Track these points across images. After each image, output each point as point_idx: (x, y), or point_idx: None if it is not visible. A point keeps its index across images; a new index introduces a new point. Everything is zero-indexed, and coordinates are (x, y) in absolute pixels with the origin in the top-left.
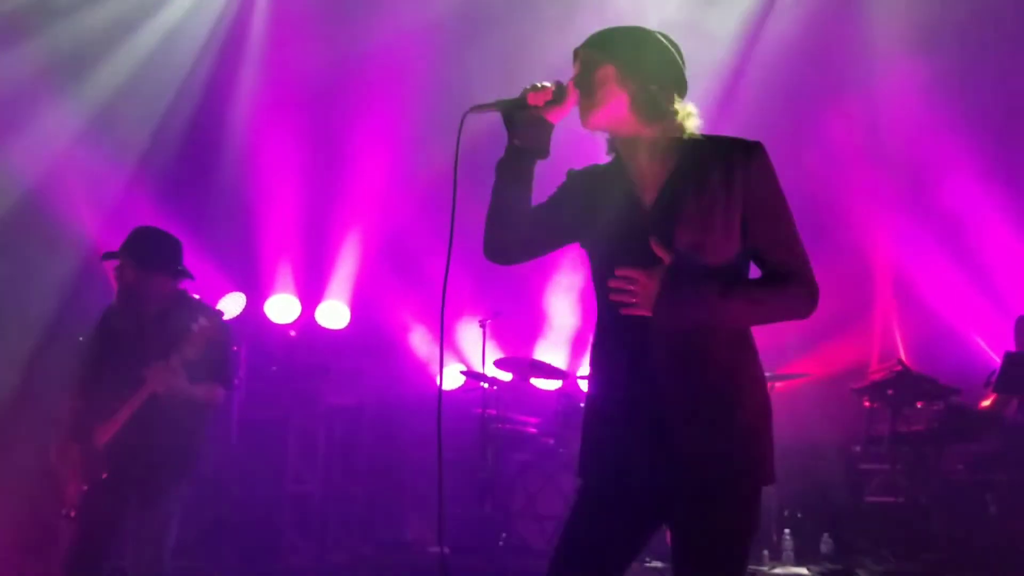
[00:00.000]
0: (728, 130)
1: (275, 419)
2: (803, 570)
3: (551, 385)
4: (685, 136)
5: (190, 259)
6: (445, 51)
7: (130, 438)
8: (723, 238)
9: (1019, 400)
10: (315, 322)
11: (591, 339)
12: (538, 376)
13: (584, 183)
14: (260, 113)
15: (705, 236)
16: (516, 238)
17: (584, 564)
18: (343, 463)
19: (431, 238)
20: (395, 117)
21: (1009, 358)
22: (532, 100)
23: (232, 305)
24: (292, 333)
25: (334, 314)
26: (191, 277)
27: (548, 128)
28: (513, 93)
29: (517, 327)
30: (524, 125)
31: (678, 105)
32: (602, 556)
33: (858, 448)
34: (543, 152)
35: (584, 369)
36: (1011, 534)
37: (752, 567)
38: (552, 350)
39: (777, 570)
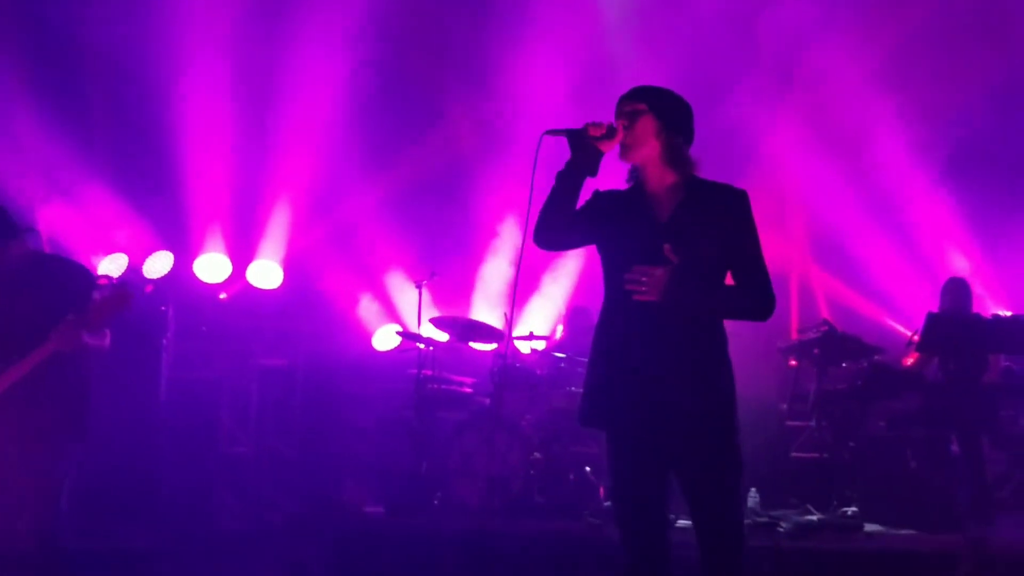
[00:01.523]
0: (643, 67)
1: (206, 380)
2: None
3: (487, 346)
4: (690, 177)
5: (116, 217)
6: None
7: (17, 400)
8: (709, 255)
9: (940, 359)
10: (247, 282)
11: (600, 315)
12: (474, 337)
13: (609, 202)
14: (190, 66)
15: (699, 252)
16: (559, 233)
17: (641, 500)
18: (277, 424)
19: (366, 197)
20: (330, 72)
21: (932, 319)
22: (592, 132)
23: (160, 264)
24: (223, 295)
25: (266, 274)
26: (38, 232)
27: (599, 155)
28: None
29: (453, 288)
30: (582, 150)
31: (690, 154)
32: (647, 491)
33: (785, 406)
34: (592, 172)
35: (521, 331)
36: (930, 488)
37: (682, 520)
38: (488, 312)
39: None
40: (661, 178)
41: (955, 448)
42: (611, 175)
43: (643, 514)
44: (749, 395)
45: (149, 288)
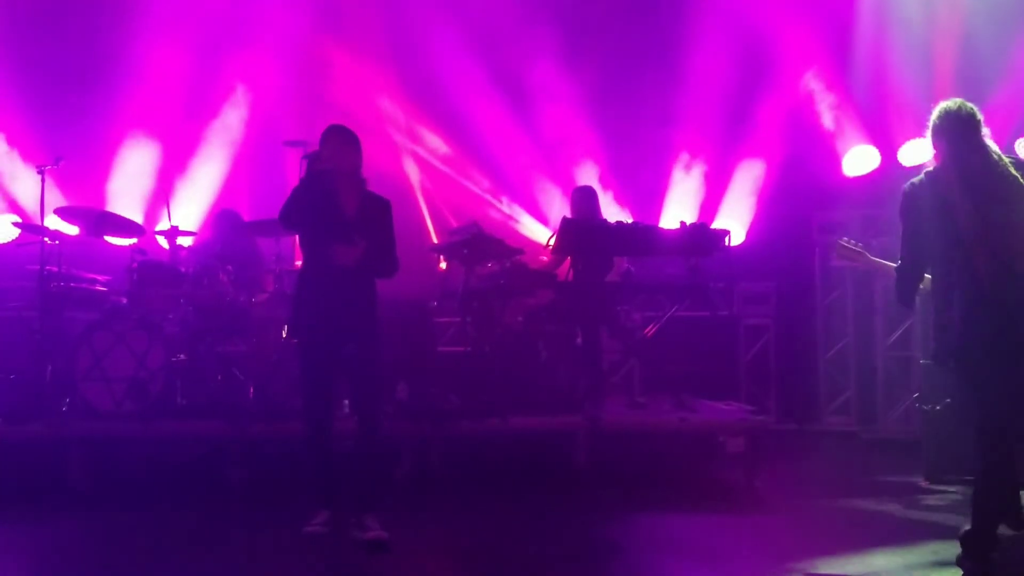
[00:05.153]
0: None
1: None
2: None
3: (124, 241)
4: (363, 189)
5: None
6: None
7: None
8: (373, 239)
9: (572, 260)
10: None
11: (301, 269)
12: (110, 231)
13: (313, 185)
14: None
15: (370, 237)
16: None
17: (324, 383)
18: None
19: None
20: None
21: (565, 224)
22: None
23: None
24: None
25: None
26: None
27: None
28: None
29: (87, 177)
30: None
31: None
32: (329, 378)
33: (435, 303)
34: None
35: (163, 225)
36: (557, 375)
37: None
38: (126, 204)
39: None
40: (351, 184)
41: (579, 340)
42: None
43: (328, 399)
44: (399, 297)
45: None
